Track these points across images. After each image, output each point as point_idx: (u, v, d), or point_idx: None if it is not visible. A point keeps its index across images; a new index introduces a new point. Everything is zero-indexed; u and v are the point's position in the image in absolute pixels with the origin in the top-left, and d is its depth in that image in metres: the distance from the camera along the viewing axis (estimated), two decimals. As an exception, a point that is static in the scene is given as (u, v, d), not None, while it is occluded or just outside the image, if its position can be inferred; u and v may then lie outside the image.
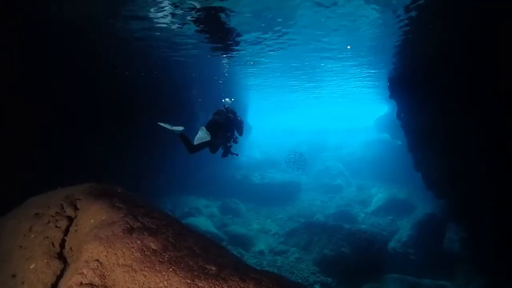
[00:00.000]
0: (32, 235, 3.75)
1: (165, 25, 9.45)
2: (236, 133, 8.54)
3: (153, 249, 3.05)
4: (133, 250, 3.01)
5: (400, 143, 25.35)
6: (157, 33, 10.27)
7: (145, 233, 3.26)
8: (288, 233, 16.07)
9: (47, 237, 3.67)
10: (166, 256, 3.00)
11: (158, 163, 16.71)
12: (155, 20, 9.01)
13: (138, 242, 3.10)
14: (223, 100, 8.81)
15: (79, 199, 4.15)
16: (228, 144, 8.49)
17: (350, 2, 7.82)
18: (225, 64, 15.94)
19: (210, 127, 7.48)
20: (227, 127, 8.01)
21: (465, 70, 9.52)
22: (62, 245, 3.60)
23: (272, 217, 19.59)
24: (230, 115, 8.26)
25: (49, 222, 3.85)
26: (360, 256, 12.56)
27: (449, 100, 10.30)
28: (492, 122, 8.45)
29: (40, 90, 9.51)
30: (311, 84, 25.31)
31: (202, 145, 7.47)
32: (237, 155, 8.78)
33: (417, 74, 12.34)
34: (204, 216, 18.20)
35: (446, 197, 12.27)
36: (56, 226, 3.78)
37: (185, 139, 7.30)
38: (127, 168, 13.06)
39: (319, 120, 69.90)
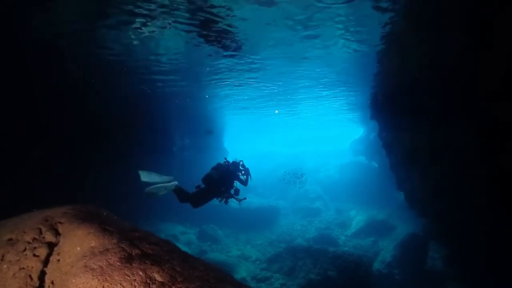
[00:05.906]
0: (5, 266, 3.12)
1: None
2: (238, 184, 8.75)
3: (159, 282, 2.53)
4: (136, 283, 2.49)
5: (376, 165, 25.59)
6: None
7: (147, 261, 2.73)
8: (270, 258, 15.50)
9: (23, 268, 3.06)
10: (176, 289, 2.49)
11: (131, 188, 15.82)
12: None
13: (141, 273, 2.58)
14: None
15: (61, 222, 3.53)
16: (230, 192, 8.64)
17: (325, 30, 7.85)
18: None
19: (204, 181, 7.96)
20: (220, 182, 8.16)
21: (451, 86, 9.60)
22: (42, 278, 3.00)
23: (252, 243, 18.98)
24: (230, 167, 8.48)
25: (25, 249, 3.23)
26: (348, 279, 12.22)
27: (435, 117, 10.34)
28: (479, 139, 8.46)
29: (13, 104, 8.86)
30: (287, 108, 25.46)
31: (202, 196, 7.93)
32: (245, 198, 9.14)
33: (401, 91, 12.42)
34: (181, 244, 17.28)
35: (429, 216, 12.17)
36: (34, 255, 3.16)
37: (181, 192, 7.68)
38: (98, 193, 12.20)
39: (294, 143, 70.32)
